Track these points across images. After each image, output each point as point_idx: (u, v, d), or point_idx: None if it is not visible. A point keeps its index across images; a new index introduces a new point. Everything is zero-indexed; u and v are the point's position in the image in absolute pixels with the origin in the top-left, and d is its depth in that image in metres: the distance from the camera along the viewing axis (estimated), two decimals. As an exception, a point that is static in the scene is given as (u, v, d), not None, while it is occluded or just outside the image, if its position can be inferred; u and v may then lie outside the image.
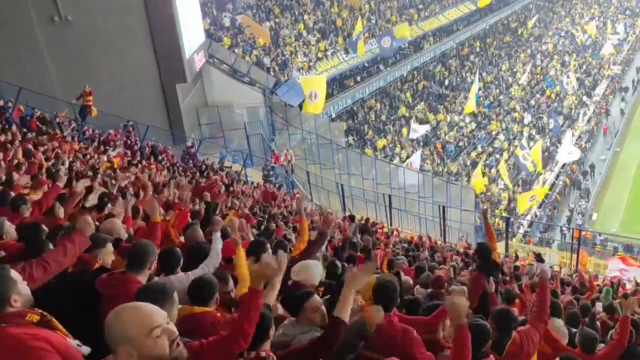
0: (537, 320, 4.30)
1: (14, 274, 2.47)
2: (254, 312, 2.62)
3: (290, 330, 3.27)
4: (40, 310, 2.41)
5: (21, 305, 2.39)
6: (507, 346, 3.94)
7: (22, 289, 2.44)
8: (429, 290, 6.20)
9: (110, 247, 3.87)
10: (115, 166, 11.37)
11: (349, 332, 3.00)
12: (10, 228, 4.27)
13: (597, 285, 11.31)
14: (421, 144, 32.20)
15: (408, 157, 29.92)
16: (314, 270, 4.25)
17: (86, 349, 2.45)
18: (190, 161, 18.14)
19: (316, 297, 3.40)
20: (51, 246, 3.70)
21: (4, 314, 2.31)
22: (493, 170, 32.33)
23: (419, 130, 30.49)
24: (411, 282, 6.23)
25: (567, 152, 29.40)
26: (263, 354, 2.82)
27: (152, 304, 2.50)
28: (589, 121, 40.22)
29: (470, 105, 32.34)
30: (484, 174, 29.54)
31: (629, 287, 12.27)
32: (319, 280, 4.30)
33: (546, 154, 33.45)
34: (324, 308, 3.37)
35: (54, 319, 2.42)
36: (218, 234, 4.79)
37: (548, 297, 4.48)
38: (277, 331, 3.17)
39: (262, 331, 2.78)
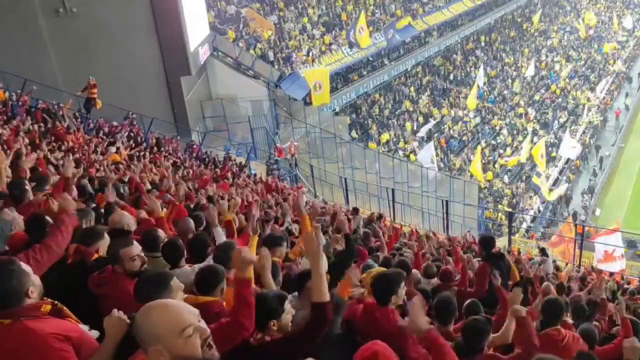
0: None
1: (25, 265, 2.50)
2: (242, 304, 2.71)
3: (292, 301, 3.30)
4: (50, 300, 2.47)
5: (36, 296, 2.43)
6: (549, 328, 4.03)
7: (35, 280, 2.48)
8: (433, 280, 6.29)
9: (107, 237, 3.87)
10: (121, 158, 11.43)
11: None
12: (19, 219, 4.30)
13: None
14: (425, 138, 32.14)
15: (412, 152, 29.94)
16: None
17: (95, 333, 2.54)
18: (193, 154, 18.19)
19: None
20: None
21: (22, 308, 2.36)
22: (497, 165, 32.30)
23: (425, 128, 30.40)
24: (419, 275, 6.28)
25: (571, 146, 29.43)
26: (267, 338, 2.87)
27: (153, 294, 2.58)
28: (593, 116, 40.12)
29: (473, 101, 32.20)
30: (485, 169, 29.54)
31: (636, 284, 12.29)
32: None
33: (550, 149, 33.38)
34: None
35: (64, 307, 2.48)
36: (218, 229, 4.80)
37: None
38: None
39: (264, 315, 2.84)
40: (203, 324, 1.95)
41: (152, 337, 1.85)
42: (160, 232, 4.40)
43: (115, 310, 2.43)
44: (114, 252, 3.33)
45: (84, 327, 2.51)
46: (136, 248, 3.38)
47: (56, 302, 2.47)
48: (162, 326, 1.85)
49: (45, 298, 2.48)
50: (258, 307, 2.81)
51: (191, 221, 5.40)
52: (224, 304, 3.25)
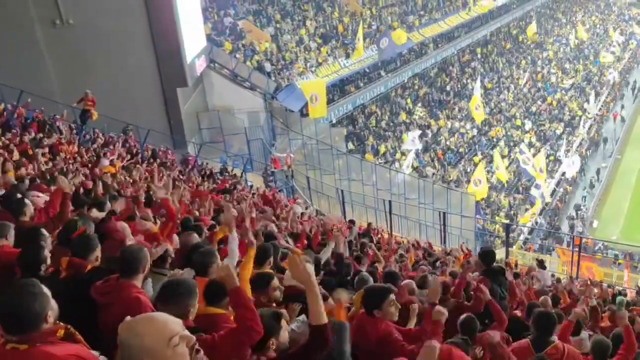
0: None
1: (45, 289, 2.44)
2: (241, 308, 2.79)
3: (299, 327, 3.29)
4: (63, 324, 2.42)
5: (53, 320, 2.39)
6: (548, 348, 3.96)
7: (53, 304, 2.43)
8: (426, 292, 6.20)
9: (99, 245, 3.92)
10: (116, 170, 11.34)
11: (338, 341, 2.97)
12: (13, 232, 4.24)
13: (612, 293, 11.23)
14: (421, 149, 32.16)
15: (409, 165, 29.90)
16: None
17: (103, 358, 2.50)
18: (189, 166, 18.12)
19: (330, 301, 3.45)
20: (47, 252, 3.68)
21: (40, 333, 2.29)
22: (494, 178, 32.29)
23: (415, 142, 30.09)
24: (414, 285, 6.19)
25: (571, 163, 29.50)
26: (263, 359, 2.89)
27: (181, 297, 2.82)
28: (589, 128, 40.31)
29: (479, 113, 32.13)
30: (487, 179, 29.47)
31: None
32: None
33: (547, 160, 33.46)
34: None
35: (76, 332, 2.43)
36: (234, 234, 4.82)
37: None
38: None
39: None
40: (187, 332, 1.96)
41: (140, 351, 1.84)
42: (170, 249, 4.47)
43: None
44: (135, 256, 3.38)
45: (95, 353, 2.46)
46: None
47: (68, 326, 2.42)
48: (150, 338, 1.85)
49: (58, 322, 2.42)
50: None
51: (195, 235, 5.41)
52: (232, 317, 3.22)
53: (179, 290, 2.86)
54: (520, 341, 4.35)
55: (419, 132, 31.79)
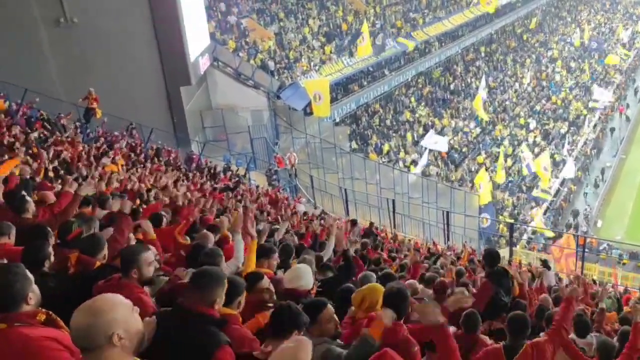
0: (556, 335, 4.22)
1: (28, 273, 2.52)
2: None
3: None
4: (45, 310, 2.48)
5: (34, 304, 2.45)
6: (517, 356, 3.90)
7: (35, 289, 2.50)
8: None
9: (106, 244, 3.97)
10: (119, 168, 11.34)
11: (355, 352, 2.93)
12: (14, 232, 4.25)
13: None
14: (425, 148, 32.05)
15: (413, 162, 29.84)
16: (307, 276, 4.23)
17: None
18: (193, 164, 18.11)
19: (330, 307, 3.34)
20: (51, 249, 3.70)
21: (19, 314, 2.37)
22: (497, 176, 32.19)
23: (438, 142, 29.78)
24: (417, 284, 6.19)
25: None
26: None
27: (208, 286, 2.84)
28: (594, 127, 40.14)
29: (483, 112, 32.15)
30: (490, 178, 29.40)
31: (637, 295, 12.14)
32: (312, 284, 4.28)
33: (551, 159, 33.35)
34: (336, 317, 3.33)
35: (58, 318, 2.48)
36: (238, 236, 4.76)
37: (572, 312, 4.44)
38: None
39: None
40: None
41: (111, 325, 1.93)
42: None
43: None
44: (131, 257, 3.31)
45: None
46: (153, 253, 3.47)
47: (50, 312, 2.47)
48: (118, 308, 1.98)
49: (40, 308, 2.47)
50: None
51: (210, 235, 5.48)
52: (240, 319, 3.23)
53: (204, 279, 2.85)
54: (494, 345, 4.28)
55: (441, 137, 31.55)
